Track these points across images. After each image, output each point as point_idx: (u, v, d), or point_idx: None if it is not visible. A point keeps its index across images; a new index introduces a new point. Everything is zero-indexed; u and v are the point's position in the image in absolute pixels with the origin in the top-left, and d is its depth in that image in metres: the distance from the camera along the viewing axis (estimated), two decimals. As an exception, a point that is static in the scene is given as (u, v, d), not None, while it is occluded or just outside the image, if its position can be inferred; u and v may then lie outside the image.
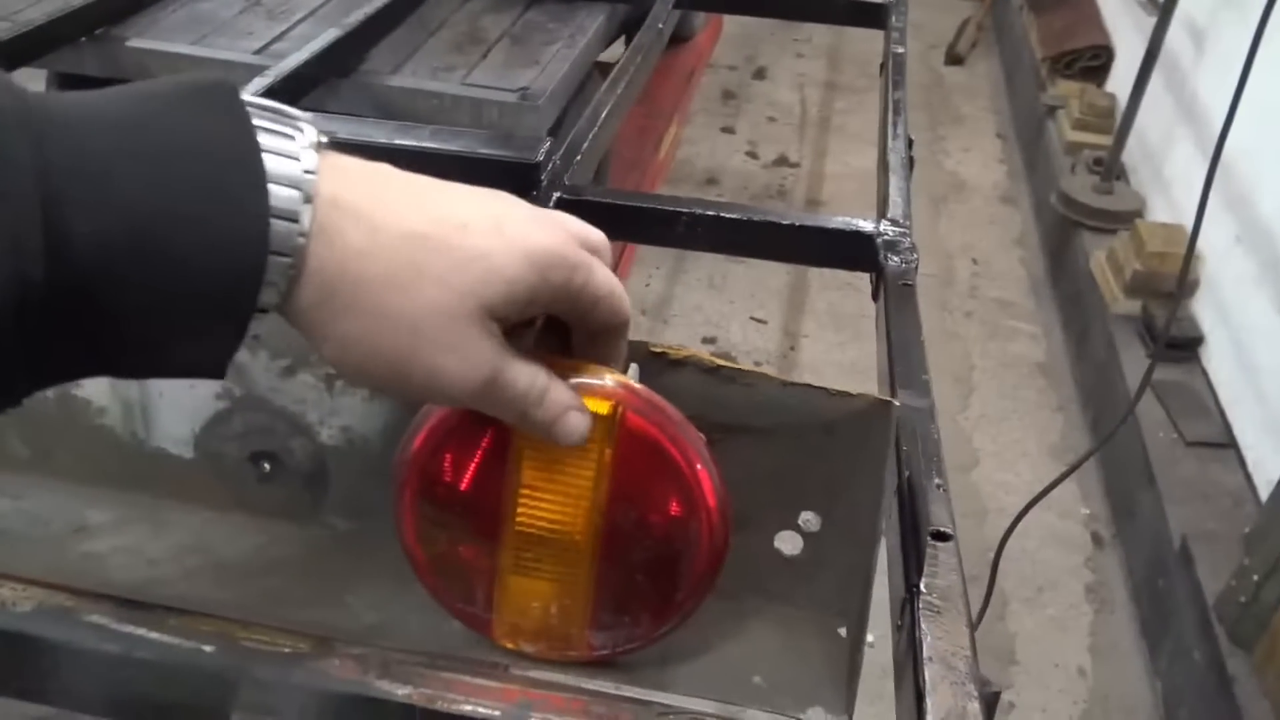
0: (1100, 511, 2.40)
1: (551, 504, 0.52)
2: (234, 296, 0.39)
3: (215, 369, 0.41)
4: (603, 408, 0.51)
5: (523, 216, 0.46)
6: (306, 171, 0.40)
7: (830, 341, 2.90)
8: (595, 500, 0.52)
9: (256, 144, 0.39)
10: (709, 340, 2.86)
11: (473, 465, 0.53)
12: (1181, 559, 1.99)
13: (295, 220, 0.39)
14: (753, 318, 2.97)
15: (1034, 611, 2.15)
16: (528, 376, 0.47)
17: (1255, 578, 1.75)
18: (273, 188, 0.39)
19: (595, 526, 0.52)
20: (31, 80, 1.90)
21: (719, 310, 2.99)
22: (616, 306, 0.49)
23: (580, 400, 0.49)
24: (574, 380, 0.51)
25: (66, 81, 2.01)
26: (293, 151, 0.40)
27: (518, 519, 0.53)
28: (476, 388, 0.45)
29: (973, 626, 0.56)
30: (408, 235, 0.42)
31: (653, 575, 0.53)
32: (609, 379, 0.51)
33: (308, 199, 0.40)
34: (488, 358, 0.45)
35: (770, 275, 3.09)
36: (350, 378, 0.44)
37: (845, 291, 3.02)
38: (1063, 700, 1.98)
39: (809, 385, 0.54)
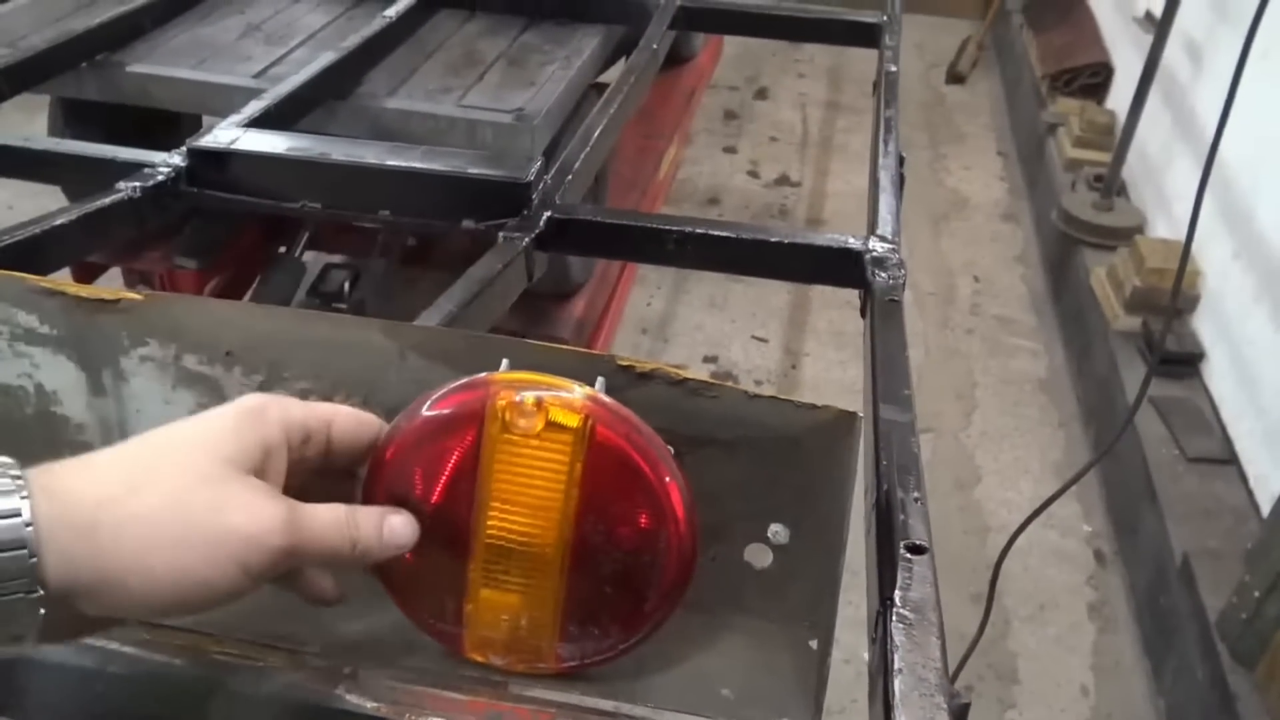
0: (1102, 529, 2.39)
1: (521, 516, 0.53)
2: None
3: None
4: (572, 420, 0.51)
5: (211, 412, 0.50)
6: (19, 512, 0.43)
7: (831, 360, 2.90)
8: (565, 512, 0.52)
9: None
10: (710, 359, 2.86)
11: (443, 479, 0.53)
12: (1183, 576, 1.98)
13: (21, 546, 0.42)
14: (754, 336, 2.97)
15: (1036, 630, 2.14)
16: (326, 509, 0.50)
17: (1256, 594, 1.74)
18: None
19: (565, 538, 0.53)
20: (35, 106, 1.92)
21: (720, 329, 2.99)
22: (345, 423, 0.53)
23: (387, 506, 0.53)
24: (542, 393, 0.51)
25: (70, 107, 2.03)
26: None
27: (488, 531, 0.53)
28: (283, 526, 0.48)
29: (944, 639, 0.56)
30: (129, 466, 0.47)
31: (622, 587, 0.54)
32: (578, 391, 0.52)
33: (27, 524, 0.43)
34: (266, 496, 0.48)
35: (771, 294, 3.10)
36: (182, 604, 0.47)
37: (845, 310, 3.02)
38: (1065, 719, 1.97)
39: (774, 398, 0.54)
